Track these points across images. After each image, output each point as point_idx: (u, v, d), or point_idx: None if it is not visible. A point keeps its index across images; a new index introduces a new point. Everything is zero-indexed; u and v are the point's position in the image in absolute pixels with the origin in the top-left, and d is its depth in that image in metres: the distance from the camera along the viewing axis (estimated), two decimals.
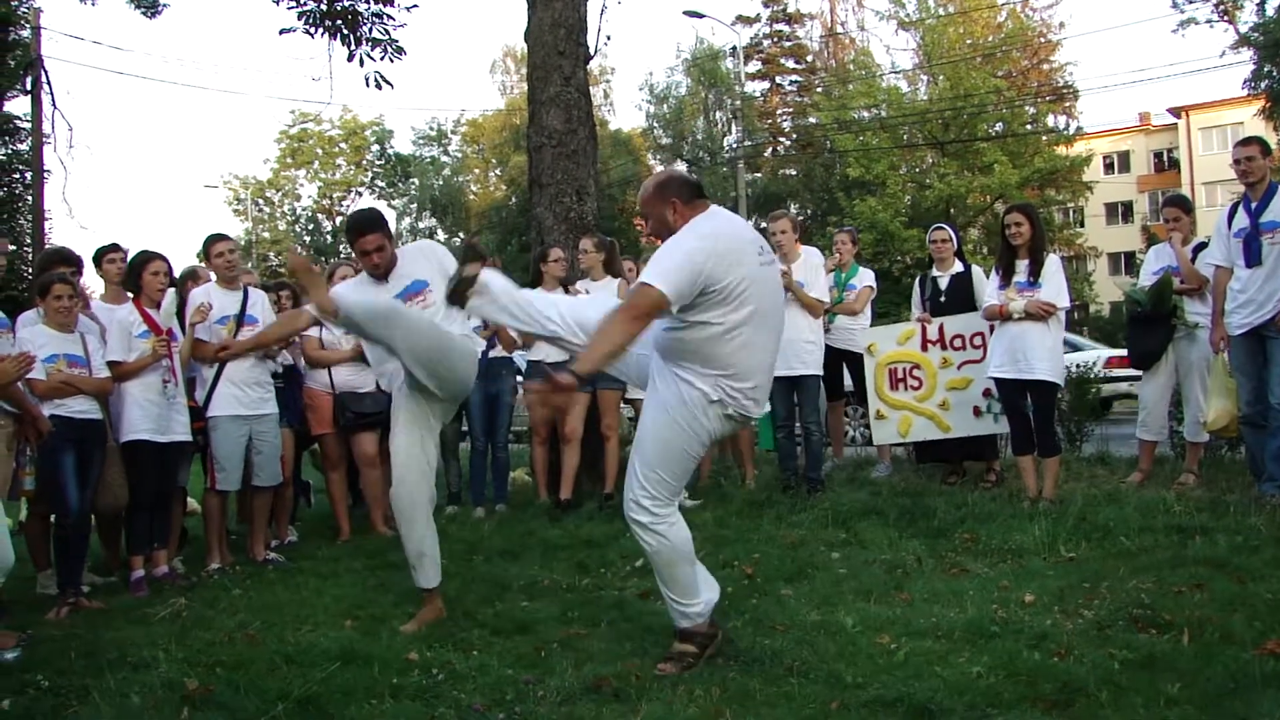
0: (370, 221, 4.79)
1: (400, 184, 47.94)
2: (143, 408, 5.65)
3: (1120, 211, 44.56)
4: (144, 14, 12.45)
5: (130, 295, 5.88)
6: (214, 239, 6.42)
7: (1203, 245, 6.87)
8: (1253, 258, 6.00)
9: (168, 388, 5.76)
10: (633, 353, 3.91)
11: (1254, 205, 6.08)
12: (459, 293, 4.05)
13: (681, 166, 41.84)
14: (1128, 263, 40.02)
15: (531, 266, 7.76)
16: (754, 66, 41.84)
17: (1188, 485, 6.59)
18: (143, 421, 5.64)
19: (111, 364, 5.56)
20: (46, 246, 17.19)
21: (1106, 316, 36.41)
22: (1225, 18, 28.00)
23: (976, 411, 7.26)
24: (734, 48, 35.04)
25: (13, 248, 18.05)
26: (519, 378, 8.03)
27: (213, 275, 6.42)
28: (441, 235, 44.01)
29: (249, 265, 6.50)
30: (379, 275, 4.78)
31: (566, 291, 7.07)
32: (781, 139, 42.59)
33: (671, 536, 3.80)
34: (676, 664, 3.80)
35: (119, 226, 74.74)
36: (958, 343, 7.37)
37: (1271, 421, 5.93)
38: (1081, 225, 41.88)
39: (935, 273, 7.76)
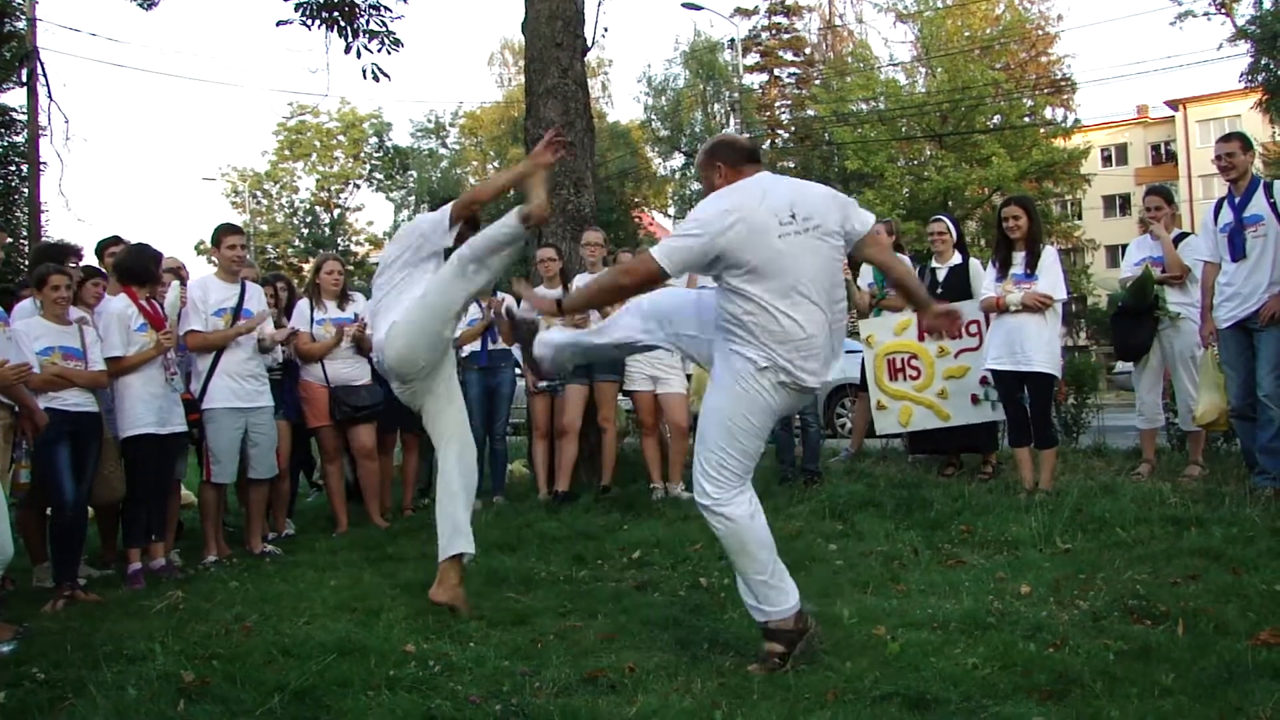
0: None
1: (398, 176, 47.76)
2: (146, 402, 5.65)
3: (1118, 204, 44.61)
4: (141, 6, 12.45)
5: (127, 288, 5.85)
6: (226, 229, 6.39)
7: (1184, 235, 6.96)
8: (1237, 251, 6.08)
9: (174, 380, 5.78)
10: (699, 337, 3.92)
11: (1237, 200, 6.16)
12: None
13: (679, 159, 41.83)
14: (1125, 255, 40.00)
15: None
16: (752, 59, 41.71)
17: (1194, 477, 6.62)
18: (146, 415, 5.64)
19: (111, 360, 5.55)
20: (42, 239, 17.21)
21: (1104, 309, 36.40)
22: (1222, 10, 27.96)
23: (974, 399, 7.28)
24: (732, 40, 35.05)
25: (9, 240, 18.02)
26: (517, 370, 8.01)
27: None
28: None
29: (247, 257, 6.48)
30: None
31: (565, 287, 7.05)
32: (780, 131, 42.45)
33: (736, 518, 3.64)
34: (763, 666, 3.63)
35: (116, 219, 74.82)
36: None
37: (1261, 414, 5.96)
38: (1079, 218, 41.96)
39: (933, 264, 7.76)
